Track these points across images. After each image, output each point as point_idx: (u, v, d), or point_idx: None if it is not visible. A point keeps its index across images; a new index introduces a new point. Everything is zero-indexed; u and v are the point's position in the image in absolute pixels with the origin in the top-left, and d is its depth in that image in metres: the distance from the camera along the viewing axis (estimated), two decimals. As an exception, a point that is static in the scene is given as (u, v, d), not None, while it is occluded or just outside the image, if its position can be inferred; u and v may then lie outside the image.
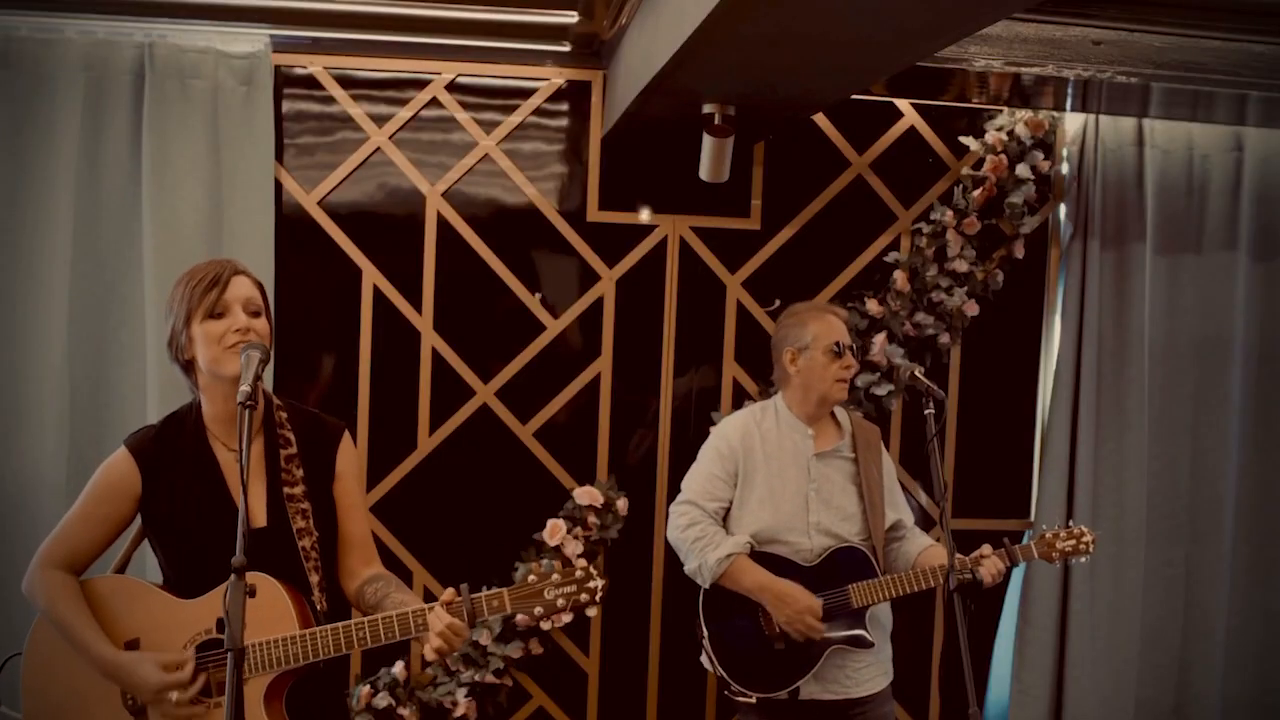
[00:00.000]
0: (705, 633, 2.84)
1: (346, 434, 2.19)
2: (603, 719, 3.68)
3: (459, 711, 3.50)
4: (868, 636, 2.82)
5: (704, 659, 2.87)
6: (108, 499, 2.09)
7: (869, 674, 2.86)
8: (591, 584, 1.98)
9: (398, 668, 3.49)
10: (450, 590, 1.97)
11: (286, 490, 2.06)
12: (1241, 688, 3.99)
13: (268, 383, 3.14)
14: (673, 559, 3.59)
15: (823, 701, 2.82)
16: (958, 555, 2.62)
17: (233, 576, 1.71)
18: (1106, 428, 3.82)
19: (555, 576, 1.98)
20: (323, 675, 2.10)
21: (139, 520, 2.15)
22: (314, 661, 1.99)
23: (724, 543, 2.81)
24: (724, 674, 2.81)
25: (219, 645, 2.01)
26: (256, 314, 2.05)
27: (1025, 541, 2.89)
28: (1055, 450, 3.80)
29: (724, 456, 2.91)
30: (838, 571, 2.81)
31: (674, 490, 3.01)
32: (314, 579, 2.05)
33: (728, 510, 2.91)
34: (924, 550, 2.90)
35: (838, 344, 2.87)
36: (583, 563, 2.02)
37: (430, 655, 1.93)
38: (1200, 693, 3.96)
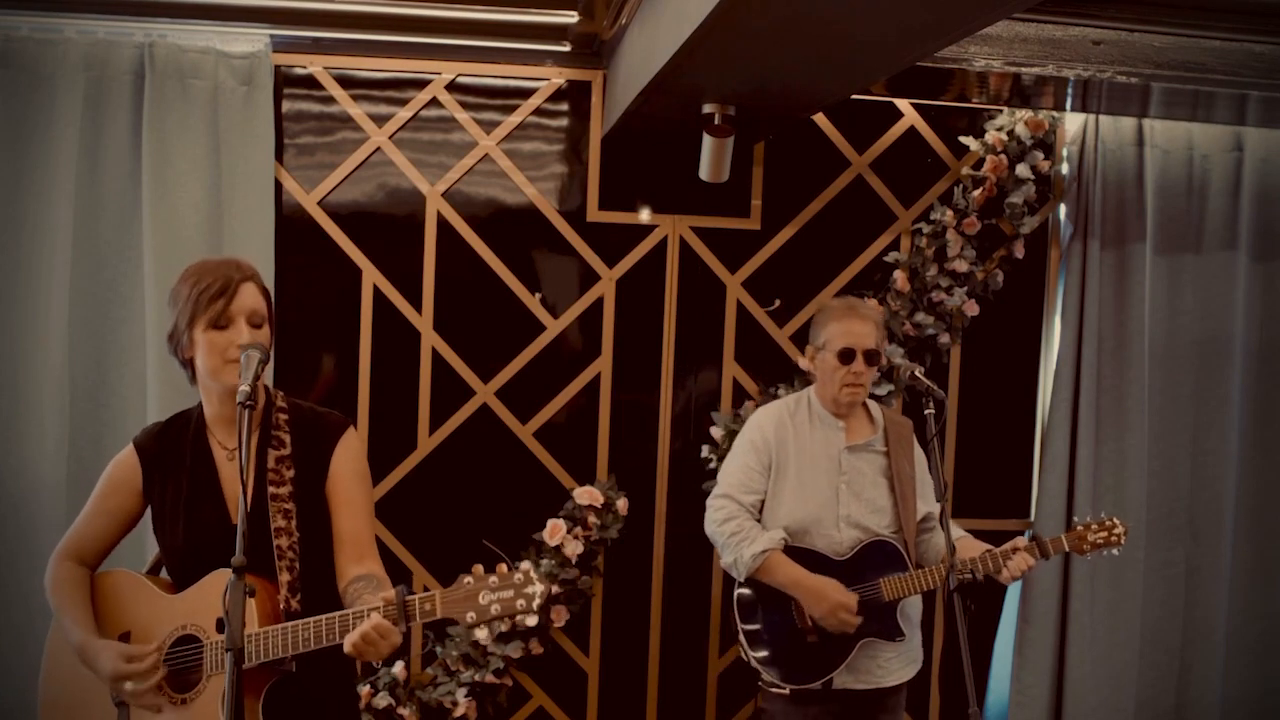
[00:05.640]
0: (740, 626, 2.87)
1: (349, 431, 2.17)
2: (603, 719, 3.68)
3: (459, 711, 3.50)
4: (900, 629, 2.84)
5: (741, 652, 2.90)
6: (113, 493, 2.16)
7: (899, 664, 2.90)
8: (530, 589, 1.80)
9: (398, 668, 3.49)
10: (390, 591, 1.88)
11: (272, 490, 2.06)
12: (1241, 688, 3.99)
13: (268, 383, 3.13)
14: (672, 559, 3.59)
15: (854, 691, 2.86)
16: (988, 551, 2.73)
17: (232, 576, 1.73)
18: (1106, 428, 3.82)
19: (493, 579, 1.81)
20: (321, 681, 2.09)
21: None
22: (270, 662, 1.93)
23: (759, 538, 2.83)
24: (758, 666, 2.83)
25: (190, 641, 2.03)
26: (259, 325, 2.06)
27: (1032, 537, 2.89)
28: (1055, 450, 3.79)
29: (759, 448, 2.93)
30: (870, 565, 2.84)
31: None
32: (284, 578, 2.02)
33: (764, 502, 2.93)
34: (956, 542, 2.90)
35: (847, 350, 2.86)
36: (525, 566, 1.87)
37: (346, 648, 1.84)
38: (1200, 693, 3.96)
